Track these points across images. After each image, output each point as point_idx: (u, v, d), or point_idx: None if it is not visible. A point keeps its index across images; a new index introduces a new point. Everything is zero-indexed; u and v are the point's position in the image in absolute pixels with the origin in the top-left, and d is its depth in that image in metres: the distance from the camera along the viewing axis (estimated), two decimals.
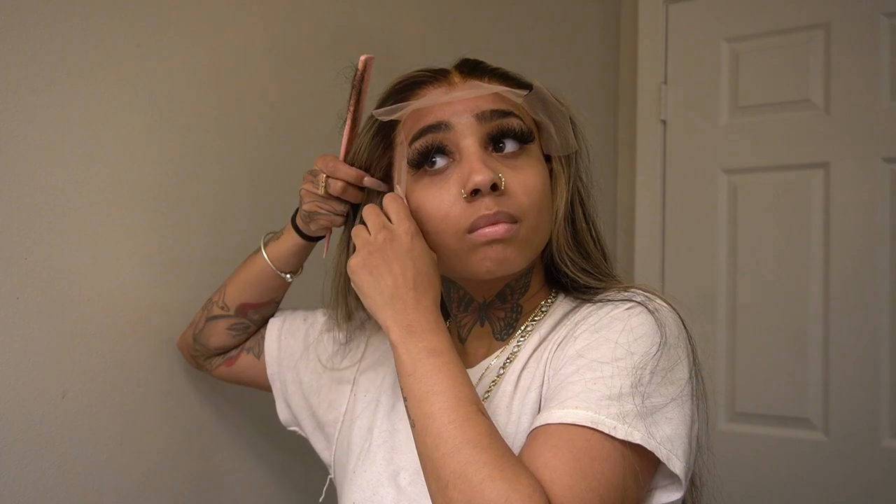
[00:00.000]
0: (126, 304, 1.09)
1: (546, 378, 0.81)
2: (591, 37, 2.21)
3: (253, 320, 1.07)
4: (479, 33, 1.74)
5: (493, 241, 0.80)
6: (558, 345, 0.82)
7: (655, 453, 0.71)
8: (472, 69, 0.89)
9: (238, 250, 1.25)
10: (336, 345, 1.02)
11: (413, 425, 0.74)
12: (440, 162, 0.83)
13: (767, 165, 2.05)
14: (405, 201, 0.85)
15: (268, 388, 1.08)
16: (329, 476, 1.02)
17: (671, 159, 2.19)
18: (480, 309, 0.90)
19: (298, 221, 0.99)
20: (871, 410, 1.88)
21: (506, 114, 0.84)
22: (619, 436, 0.70)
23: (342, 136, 0.95)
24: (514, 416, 0.82)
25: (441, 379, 0.75)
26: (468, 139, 0.82)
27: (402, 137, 0.87)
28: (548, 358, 0.82)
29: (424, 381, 0.75)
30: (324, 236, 1.00)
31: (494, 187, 0.80)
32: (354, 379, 0.99)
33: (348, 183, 0.91)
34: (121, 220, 1.09)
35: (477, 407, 0.73)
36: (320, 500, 1.03)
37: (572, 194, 0.88)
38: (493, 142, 0.84)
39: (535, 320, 0.89)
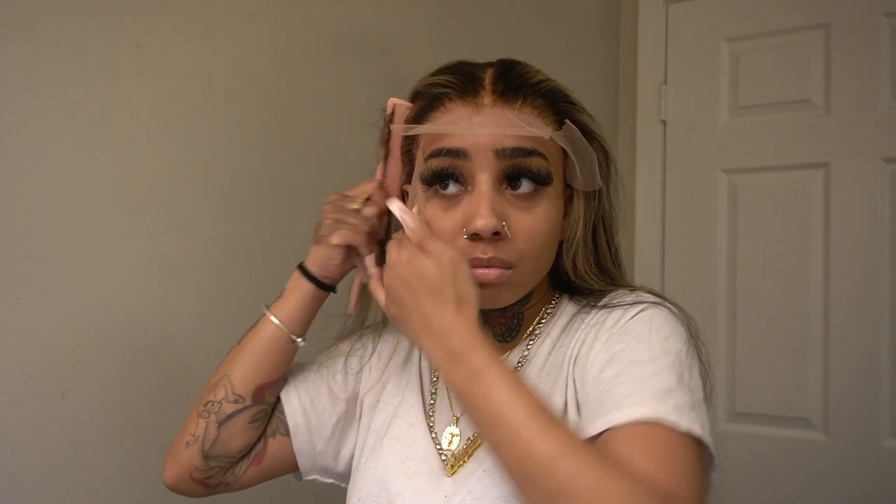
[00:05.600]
0: (126, 304, 1.09)
1: (574, 383, 0.81)
2: (591, 37, 2.21)
3: (269, 403, 0.95)
4: (479, 33, 1.74)
5: (482, 284, 0.80)
6: (578, 351, 0.82)
7: (709, 446, 0.72)
8: (506, 89, 0.82)
9: (238, 250, 1.25)
10: (352, 367, 0.99)
11: (495, 450, 0.72)
12: (452, 187, 0.82)
13: (767, 165, 2.05)
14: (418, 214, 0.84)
15: (292, 470, 1.00)
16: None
17: (671, 159, 2.19)
18: (479, 315, 0.89)
19: (311, 267, 0.92)
20: (871, 410, 1.88)
21: (528, 153, 0.81)
22: (683, 427, 0.71)
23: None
24: None
25: (496, 401, 0.71)
26: (483, 174, 0.80)
27: (422, 146, 0.86)
28: (569, 364, 0.83)
29: (483, 410, 0.72)
30: (333, 289, 0.94)
31: (497, 233, 0.79)
32: (362, 395, 0.98)
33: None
34: (121, 220, 1.09)
35: (546, 415, 0.70)
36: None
37: (595, 224, 0.88)
38: (509, 179, 0.82)
39: (541, 323, 0.89)
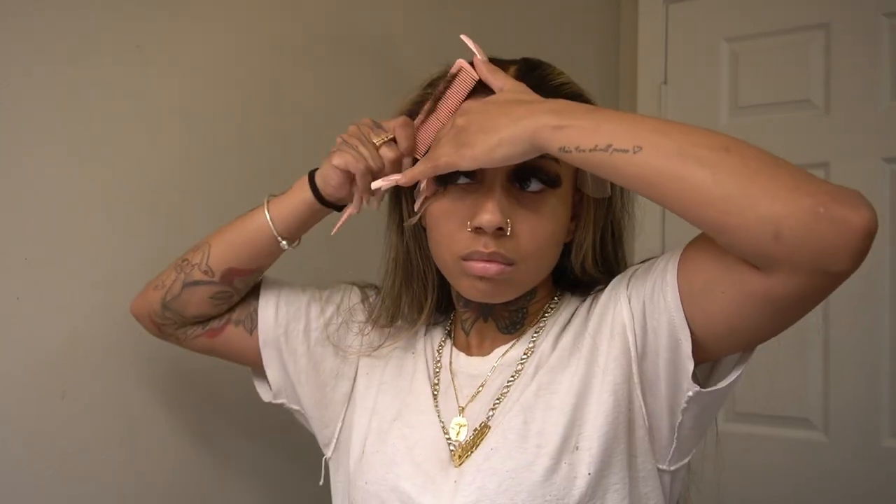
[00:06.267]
0: (126, 304, 1.09)
1: (611, 332, 0.82)
2: (591, 37, 2.21)
3: (237, 289, 0.97)
4: (478, 33, 1.74)
5: (482, 277, 0.81)
6: (602, 310, 0.83)
7: None
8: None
9: None
10: (351, 324, 0.98)
11: (668, 167, 0.68)
12: (463, 179, 0.83)
13: None
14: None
15: (247, 362, 1.01)
16: (324, 457, 1.00)
17: None
18: (483, 307, 0.90)
19: (318, 179, 0.91)
20: (871, 410, 1.88)
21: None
22: None
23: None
24: (541, 401, 0.82)
25: (646, 122, 0.71)
26: (494, 170, 0.81)
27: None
28: (592, 328, 0.83)
29: (636, 128, 0.70)
30: (338, 207, 0.92)
31: (500, 229, 0.80)
32: (358, 360, 0.98)
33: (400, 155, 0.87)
34: (120, 220, 1.09)
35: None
36: (320, 483, 1.00)
37: (604, 230, 0.89)
38: (519, 178, 0.82)
39: (545, 317, 0.90)
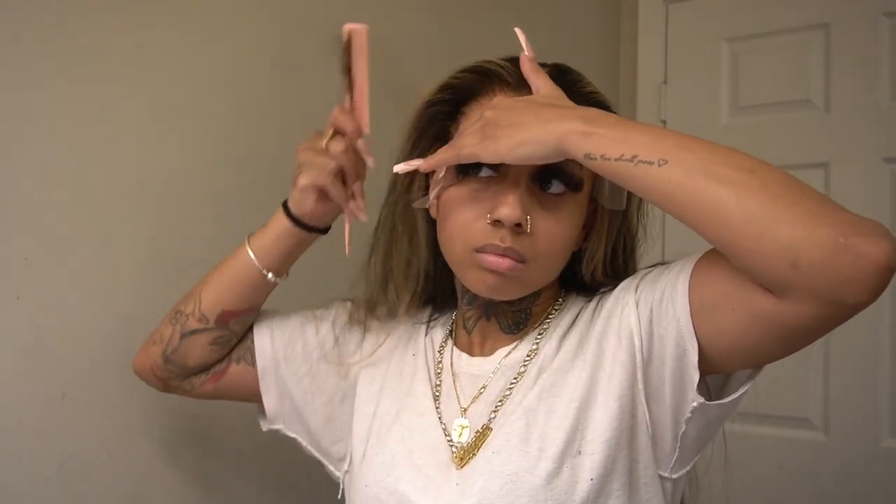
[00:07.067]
0: (126, 304, 1.09)
1: (607, 349, 0.81)
2: (591, 37, 2.21)
3: (234, 331, 0.97)
4: (478, 34, 1.74)
5: (493, 271, 0.81)
6: (609, 313, 0.83)
7: None
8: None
9: None
10: (347, 337, 0.99)
11: (698, 182, 0.67)
12: (485, 171, 0.83)
13: None
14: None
15: (254, 399, 1.01)
16: (339, 474, 0.98)
17: None
18: (487, 305, 0.90)
19: (293, 206, 0.91)
20: (871, 410, 1.88)
21: None
22: None
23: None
24: (544, 405, 0.82)
25: (673, 136, 0.71)
26: (517, 168, 0.81)
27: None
28: (598, 331, 0.83)
29: (662, 142, 0.70)
30: (319, 230, 0.93)
31: (518, 225, 0.80)
32: (358, 372, 0.98)
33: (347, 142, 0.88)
34: (121, 220, 1.09)
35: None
36: (339, 496, 0.99)
37: (616, 242, 0.89)
38: (541, 178, 0.82)
39: (549, 318, 0.89)
